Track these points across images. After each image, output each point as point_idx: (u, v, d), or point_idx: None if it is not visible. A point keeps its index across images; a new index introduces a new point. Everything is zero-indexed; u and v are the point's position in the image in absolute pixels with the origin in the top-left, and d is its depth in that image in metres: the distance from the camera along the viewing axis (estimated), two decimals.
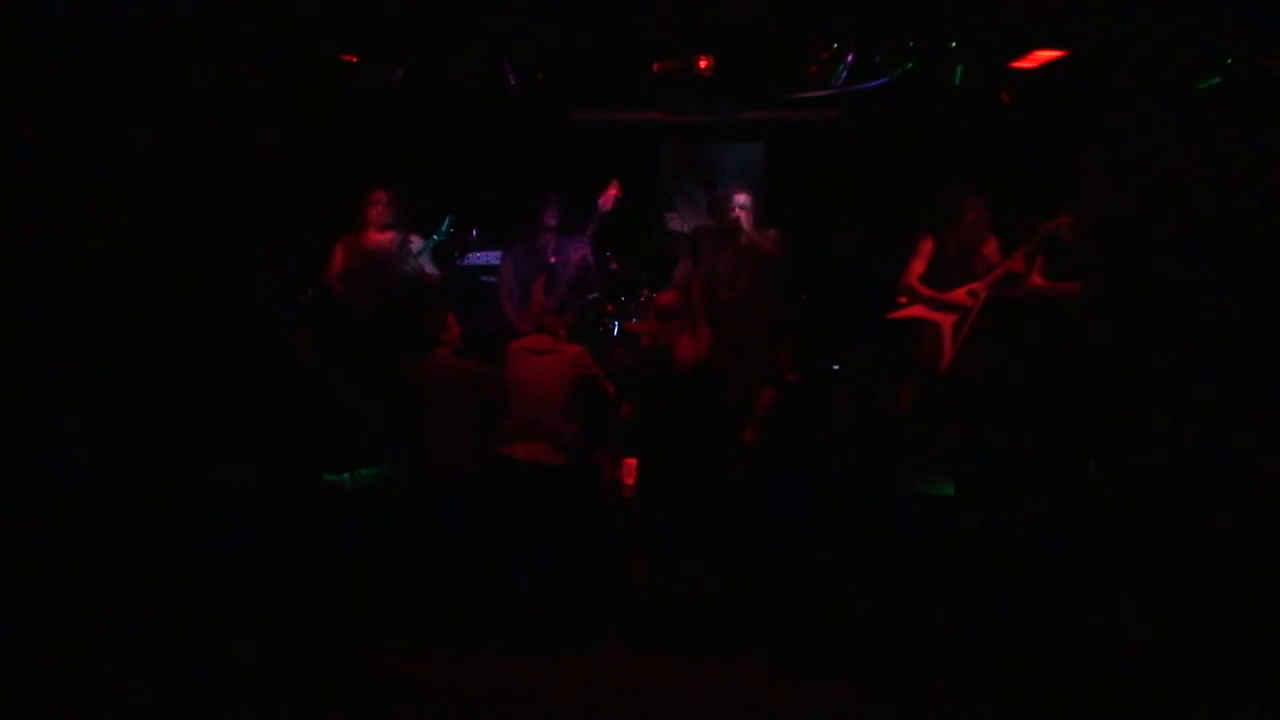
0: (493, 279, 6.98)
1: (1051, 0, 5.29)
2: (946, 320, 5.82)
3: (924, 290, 5.86)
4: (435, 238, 6.23)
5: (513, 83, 6.14)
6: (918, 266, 5.90)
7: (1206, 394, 5.15)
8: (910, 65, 5.81)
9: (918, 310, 5.91)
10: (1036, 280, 5.92)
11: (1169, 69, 5.55)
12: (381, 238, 6.18)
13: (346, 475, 5.79)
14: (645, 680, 4.35)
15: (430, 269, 6.29)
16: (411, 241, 6.19)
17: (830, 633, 4.60)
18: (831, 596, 4.75)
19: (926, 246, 5.92)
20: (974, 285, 5.77)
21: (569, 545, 4.92)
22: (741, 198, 5.93)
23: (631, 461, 5.39)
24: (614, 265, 7.05)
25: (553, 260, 6.13)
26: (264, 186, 6.48)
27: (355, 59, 5.96)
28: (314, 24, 5.70)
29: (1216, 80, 5.54)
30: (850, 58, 5.78)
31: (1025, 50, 5.70)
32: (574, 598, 4.82)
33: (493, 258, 7.09)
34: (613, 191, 6.06)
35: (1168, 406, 5.21)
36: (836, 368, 6.36)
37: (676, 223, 7.62)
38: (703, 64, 5.98)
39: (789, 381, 5.63)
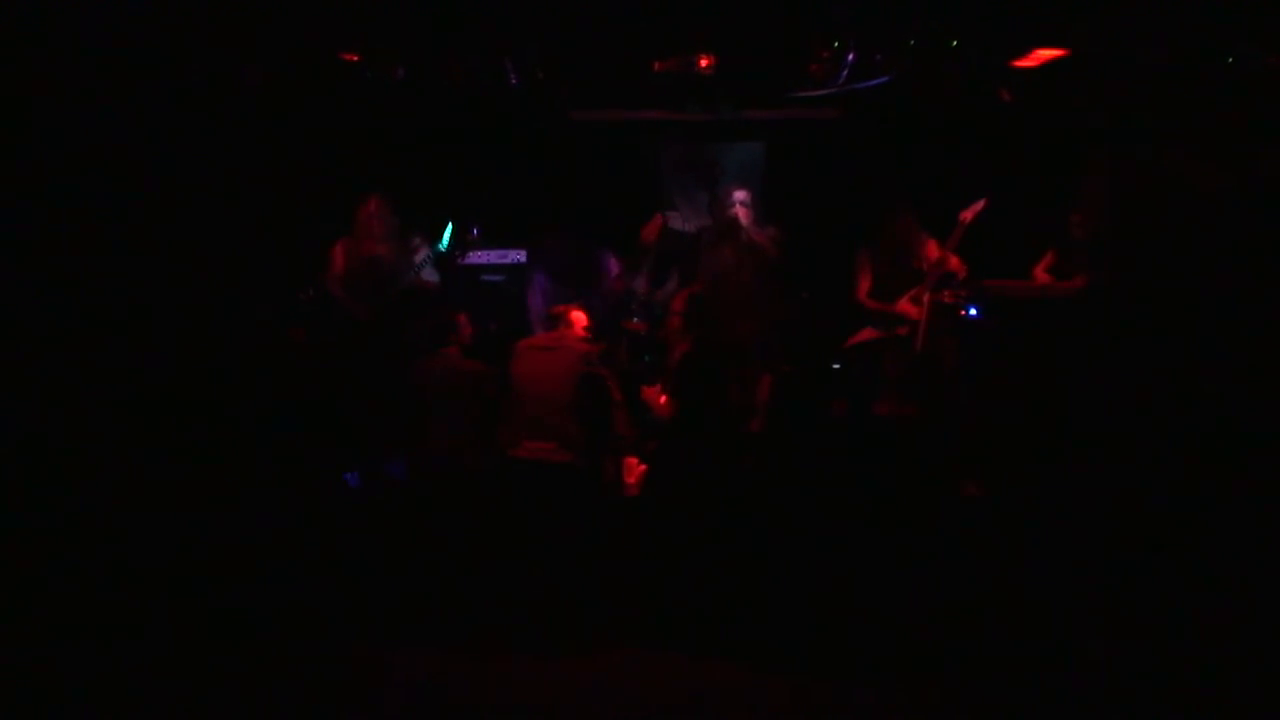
0: (494, 278, 6.99)
1: None
2: (900, 333, 5.86)
3: (873, 305, 5.93)
4: (438, 248, 6.25)
5: (513, 82, 6.13)
6: (864, 283, 5.99)
7: (1209, 390, 5.16)
8: (911, 64, 5.82)
9: (867, 333, 5.96)
10: (1040, 275, 5.95)
11: (1170, 67, 5.55)
12: (382, 248, 6.17)
13: (349, 475, 5.79)
14: (652, 679, 4.36)
15: (429, 276, 6.30)
16: (416, 248, 6.19)
17: (835, 632, 4.61)
18: (837, 595, 4.76)
19: (865, 261, 5.99)
20: (914, 292, 5.82)
21: (577, 544, 4.92)
22: (740, 194, 5.95)
23: (633, 461, 5.40)
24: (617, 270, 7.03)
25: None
26: (265, 185, 6.48)
27: (355, 58, 5.95)
28: (314, 23, 5.70)
29: (1218, 79, 5.54)
30: (851, 56, 5.79)
31: (1026, 49, 5.70)
32: (581, 597, 4.82)
33: (493, 256, 7.10)
34: (656, 224, 6.10)
35: (1171, 403, 5.21)
36: (837, 366, 6.37)
37: (678, 221, 7.60)
38: (704, 63, 5.98)
39: (784, 371, 5.67)
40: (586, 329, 5.44)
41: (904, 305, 5.84)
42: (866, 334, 5.96)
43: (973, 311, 5.85)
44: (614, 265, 6.41)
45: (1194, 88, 5.56)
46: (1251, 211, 5.28)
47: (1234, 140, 5.34)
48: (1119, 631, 4.44)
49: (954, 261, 5.77)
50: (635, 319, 6.69)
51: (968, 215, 5.67)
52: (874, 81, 5.98)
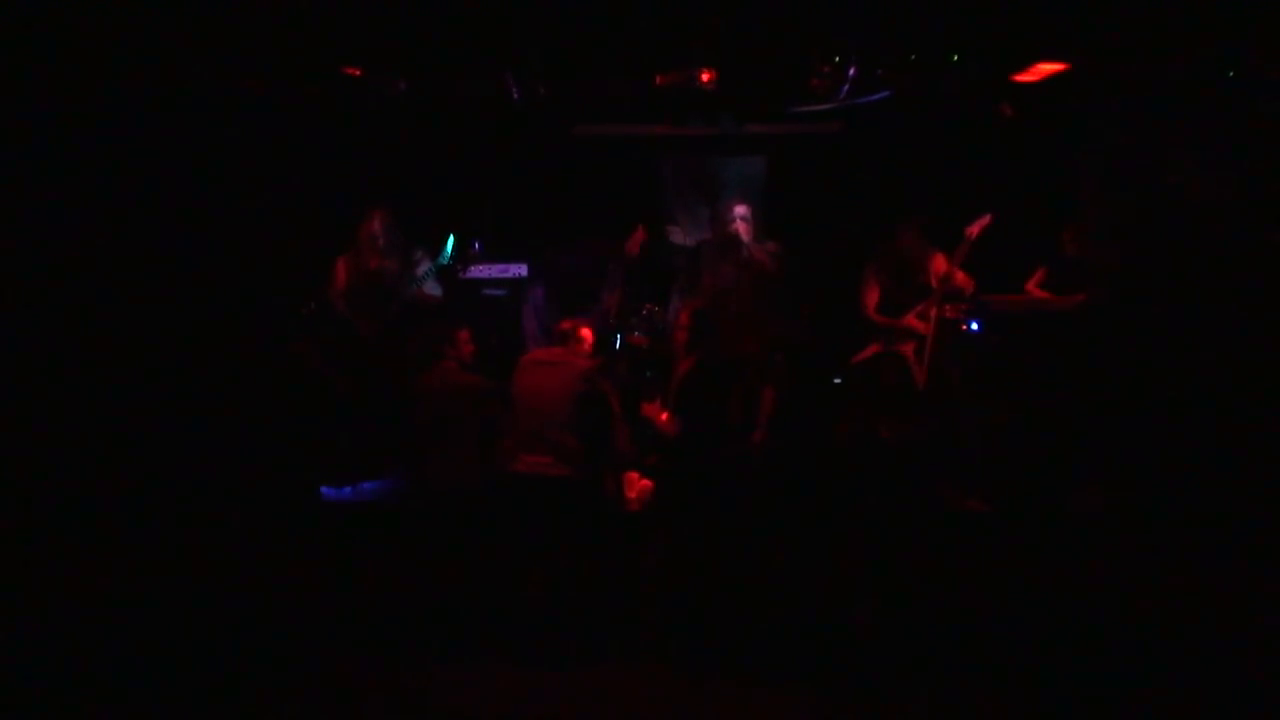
0: (496, 292, 6.98)
1: (1053, 13, 5.30)
2: (906, 349, 5.85)
3: (880, 320, 5.91)
4: (439, 261, 6.25)
5: (516, 96, 6.14)
6: (871, 297, 5.98)
7: (1210, 403, 5.15)
8: (913, 78, 5.82)
9: (874, 348, 5.95)
10: (1032, 290, 5.95)
11: (1170, 81, 5.56)
12: (384, 262, 6.17)
13: (348, 489, 5.78)
14: (650, 695, 4.33)
15: (432, 290, 6.30)
16: (417, 262, 6.20)
17: (834, 649, 4.58)
18: (839, 612, 4.73)
19: (872, 276, 5.98)
20: (919, 307, 5.81)
21: (574, 557, 4.91)
22: (740, 209, 5.95)
23: (634, 476, 5.39)
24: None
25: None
26: (268, 199, 6.49)
27: (358, 72, 5.97)
28: (318, 37, 5.71)
29: (1218, 92, 5.54)
30: (853, 71, 5.79)
31: (1027, 63, 5.70)
32: (577, 610, 4.80)
33: (495, 271, 7.09)
34: (638, 237, 6.10)
35: (1171, 415, 5.20)
36: (838, 381, 6.36)
37: (679, 235, 7.61)
38: (705, 77, 5.98)
39: (789, 385, 5.66)
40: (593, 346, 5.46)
41: (910, 320, 5.83)
42: (872, 349, 5.95)
43: (974, 325, 5.84)
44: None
45: (1195, 102, 5.57)
46: (1252, 225, 5.28)
47: (1235, 154, 5.34)
48: (1123, 644, 4.42)
49: (960, 277, 5.76)
50: (636, 333, 6.69)
51: (974, 231, 5.66)
52: (875, 96, 5.98)
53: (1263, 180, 5.35)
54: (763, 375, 5.54)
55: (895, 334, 5.88)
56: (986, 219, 5.66)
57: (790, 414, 5.56)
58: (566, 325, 5.45)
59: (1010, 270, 6.07)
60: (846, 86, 5.90)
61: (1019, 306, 5.82)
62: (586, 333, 5.44)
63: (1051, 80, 5.77)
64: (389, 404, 5.70)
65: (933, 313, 5.75)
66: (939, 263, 5.85)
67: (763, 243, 6.00)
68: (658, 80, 6.04)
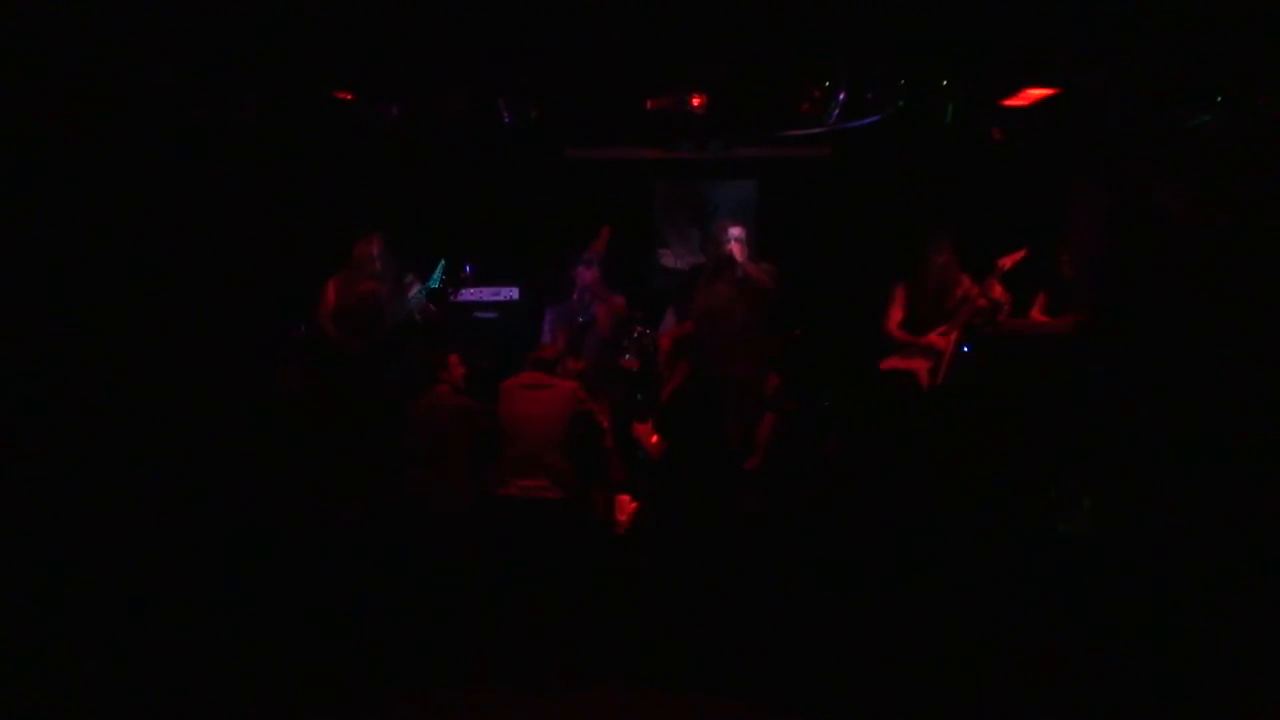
0: (487, 315, 6.97)
1: (1043, 38, 5.34)
2: (921, 367, 5.86)
3: (901, 336, 5.92)
4: (430, 284, 6.25)
5: (507, 120, 6.16)
6: (896, 314, 6.00)
7: (1201, 426, 5.16)
8: (902, 103, 5.85)
9: (892, 362, 5.96)
10: (1036, 316, 5.96)
11: (1160, 106, 5.60)
12: (377, 284, 6.16)
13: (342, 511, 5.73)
14: (642, 716, 4.32)
15: (430, 307, 6.32)
16: (408, 284, 6.20)
17: (826, 672, 4.56)
18: (830, 635, 4.72)
19: (900, 293, 6.00)
20: (943, 327, 5.82)
21: (568, 580, 4.89)
22: (735, 230, 5.93)
23: (625, 498, 5.38)
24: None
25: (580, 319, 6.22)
26: (258, 222, 6.48)
27: (350, 96, 5.98)
28: (309, 61, 5.72)
29: (1207, 118, 5.59)
30: (842, 95, 5.82)
31: (1017, 88, 5.75)
32: (571, 633, 4.78)
33: (486, 294, 7.09)
34: (604, 236, 6.11)
35: (1162, 439, 5.21)
36: (828, 404, 6.35)
37: (670, 259, 7.64)
38: (696, 101, 6.01)
39: (787, 409, 5.66)
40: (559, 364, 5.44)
41: (931, 338, 5.84)
42: (892, 362, 5.96)
43: (964, 348, 5.85)
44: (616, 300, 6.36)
45: (1184, 125, 5.62)
46: (1241, 248, 5.32)
47: (1224, 177, 5.38)
48: (1122, 665, 4.42)
49: (997, 290, 5.74)
50: (628, 356, 6.68)
51: (1006, 263, 5.68)
52: (865, 120, 6.01)
53: (1251, 204, 5.39)
54: (760, 399, 5.53)
55: (913, 351, 5.89)
56: (1021, 253, 5.68)
57: (783, 437, 5.56)
58: (549, 352, 5.45)
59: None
60: (836, 111, 5.93)
61: (1010, 329, 5.83)
62: (549, 352, 5.42)
63: (1041, 104, 5.81)
64: (379, 426, 5.68)
65: (954, 335, 5.76)
66: (964, 286, 5.87)
67: (757, 263, 5.99)
68: (648, 104, 6.07)
